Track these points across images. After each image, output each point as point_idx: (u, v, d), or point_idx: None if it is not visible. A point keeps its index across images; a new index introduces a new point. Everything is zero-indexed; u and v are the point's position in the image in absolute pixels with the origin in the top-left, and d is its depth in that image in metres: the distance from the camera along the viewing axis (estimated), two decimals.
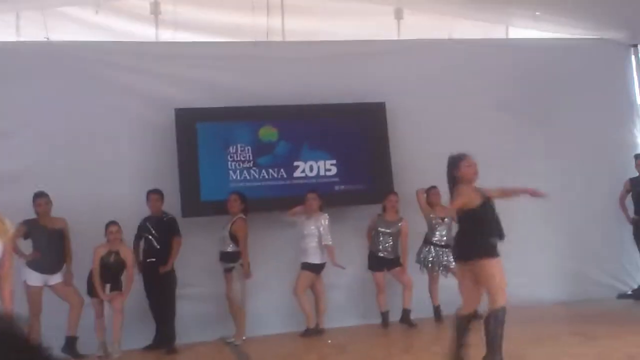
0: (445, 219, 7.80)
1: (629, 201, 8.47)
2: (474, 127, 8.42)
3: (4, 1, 7.09)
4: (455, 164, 5.03)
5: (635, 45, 9.04)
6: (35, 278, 6.64)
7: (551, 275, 8.08)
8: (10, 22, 7.46)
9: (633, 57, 9.10)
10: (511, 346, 5.15)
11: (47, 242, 6.73)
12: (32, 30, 7.48)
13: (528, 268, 8.19)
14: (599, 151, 8.66)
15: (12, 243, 4.14)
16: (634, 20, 8.44)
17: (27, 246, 6.75)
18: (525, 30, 8.99)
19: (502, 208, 5.25)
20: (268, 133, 7.87)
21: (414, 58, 8.41)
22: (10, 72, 7.36)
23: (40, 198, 6.79)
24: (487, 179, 8.08)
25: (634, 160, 8.55)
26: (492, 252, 4.81)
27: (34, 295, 6.61)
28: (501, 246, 5.05)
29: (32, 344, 1.01)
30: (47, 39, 7.52)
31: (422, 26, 8.68)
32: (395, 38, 8.68)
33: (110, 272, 6.80)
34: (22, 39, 7.50)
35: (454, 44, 8.66)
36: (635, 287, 8.50)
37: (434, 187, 7.78)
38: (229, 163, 7.68)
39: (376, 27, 8.59)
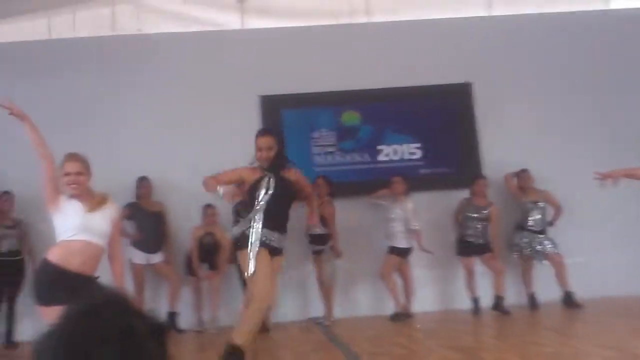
0: (539, 203, 7.82)
1: None
2: (566, 108, 8.38)
3: None
4: None
5: None
6: (139, 257, 7.56)
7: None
8: (106, 16, 8.12)
9: None
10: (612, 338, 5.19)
11: (148, 224, 7.66)
12: (126, 23, 8.12)
13: (612, 260, 8.05)
14: None
15: (119, 224, 4.62)
16: None
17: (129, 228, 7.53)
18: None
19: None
20: (351, 117, 8.29)
21: (504, 35, 8.52)
22: (107, 63, 8.05)
23: (144, 181, 7.69)
24: (577, 162, 8.09)
25: None
26: None
27: (138, 273, 7.53)
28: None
29: (144, 312, 1.33)
30: (140, 30, 8.14)
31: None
32: (483, 13, 8.68)
33: (207, 252, 7.52)
34: (116, 32, 8.14)
35: (546, 19, 8.58)
36: None
37: (524, 171, 7.91)
38: (313, 148, 8.08)
39: (462, 1, 8.62)
